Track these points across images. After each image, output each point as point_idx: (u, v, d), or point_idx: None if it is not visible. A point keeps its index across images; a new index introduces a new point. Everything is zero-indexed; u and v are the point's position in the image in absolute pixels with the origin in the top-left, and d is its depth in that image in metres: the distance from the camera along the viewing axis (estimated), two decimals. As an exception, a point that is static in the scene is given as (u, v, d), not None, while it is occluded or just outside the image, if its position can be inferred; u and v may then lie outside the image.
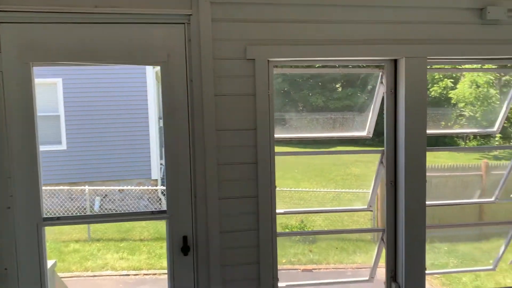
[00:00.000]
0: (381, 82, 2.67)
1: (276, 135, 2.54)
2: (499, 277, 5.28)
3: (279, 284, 2.65)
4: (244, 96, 2.42)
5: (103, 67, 9.39)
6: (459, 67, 2.78)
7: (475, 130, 3.08)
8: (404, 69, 2.53)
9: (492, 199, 3.02)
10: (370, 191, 2.90)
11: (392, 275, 2.75)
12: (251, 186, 2.47)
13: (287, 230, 7.96)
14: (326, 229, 10.03)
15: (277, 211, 2.60)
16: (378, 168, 2.77)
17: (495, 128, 2.98)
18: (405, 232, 2.63)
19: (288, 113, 2.92)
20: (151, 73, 10.63)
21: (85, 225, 8.44)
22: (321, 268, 8.04)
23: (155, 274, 7.29)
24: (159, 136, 11.04)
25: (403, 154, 2.60)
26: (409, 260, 2.65)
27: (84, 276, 7.04)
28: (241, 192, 2.46)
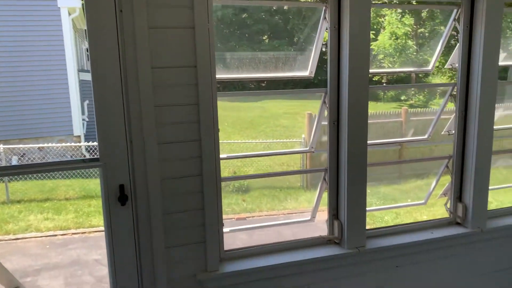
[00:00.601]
0: (324, 18, 2.57)
1: (217, 76, 2.37)
2: (429, 210, 5.79)
3: (224, 230, 2.59)
4: (182, 29, 2.19)
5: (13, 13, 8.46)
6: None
7: (412, 69, 3.11)
8: (349, 3, 2.44)
9: (425, 136, 3.13)
10: (313, 132, 2.86)
11: (334, 213, 2.79)
12: (193, 129, 2.30)
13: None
14: (258, 179, 10.17)
15: (221, 156, 2.48)
16: (321, 108, 2.72)
17: (429, 67, 3.04)
18: (347, 171, 2.64)
19: (229, 52, 2.74)
20: (67, 21, 9.77)
21: (2, 186, 7.79)
22: (254, 216, 8.20)
23: (85, 232, 6.99)
24: (80, 90, 10.30)
25: (346, 93, 2.57)
26: (351, 199, 2.69)
27: (6, 240, 6.55)
28: (182, 136, 2.29)
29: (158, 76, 2.19)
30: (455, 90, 2.98)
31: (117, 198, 2.23)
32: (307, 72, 2.70)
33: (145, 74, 2.15)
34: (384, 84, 13.04)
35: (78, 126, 10.10)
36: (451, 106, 3.11)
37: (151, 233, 2.31)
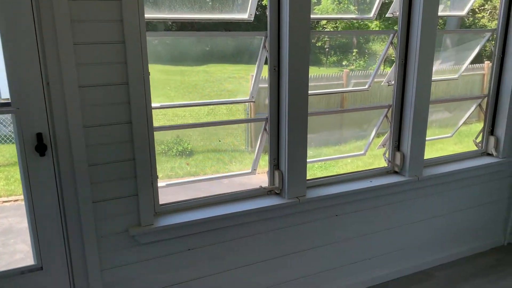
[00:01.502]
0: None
1: (146, 15, 2.15)
2: (369, 160, 5.93)
3: (159, 184, 2.43)
4: (103, -44, 1.94)
5: None
6: None
7: (353, 16, 3.04)
8: None
9: (366, 87, 3.10)
10: (252, 81, 2.73)
11: (275, 163, 2.71)
12: (119, 71, 2.09)
13: (163, 147, 7.64)
14: (202, 143, 9.96)
15: (153, 105, 2.30)
16: (261, 53, 2.58)
17: (371, 15, 2.97)
18: (288, 119, 2.55)
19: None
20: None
21: None
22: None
23: (17, 200, 6.53)
24: None
25: (286, 37, 2.44)
26: (292, 148, 2.61)
27: None
28: (106, 78, 2.07)
29: (77, 9, 1.94)
30: (396, 39, 2.94)
31: (35, 148, 2.00)
32: (246, 14, 2.54)
33: (62, 6, 1.89)
34: (327, 49, 13.07)
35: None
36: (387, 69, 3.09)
37: (75, 186, 2.11)
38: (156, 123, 2.29)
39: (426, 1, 2.79)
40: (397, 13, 2.94)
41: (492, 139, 3.46)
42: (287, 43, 2.44)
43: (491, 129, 3.48)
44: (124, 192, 2.24)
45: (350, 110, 3.06)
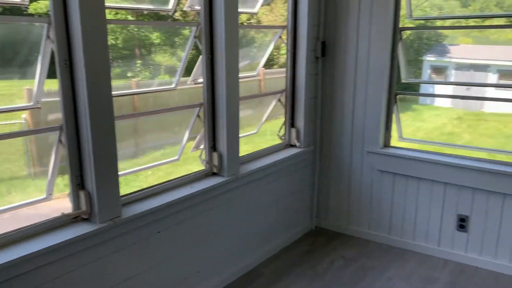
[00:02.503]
0: None
1: None
2: (189, 166, 5.61)
3: None
4: None
5: None
6: None
7: (151, 7, 2.73)
8: None
9: (173, 86, 2.83)
10: (36, 82, 2.13)
11: (78, 182, 2.19)
12: None
13: None
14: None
15: None
16: (45, 45, 2.03)
17: (170, 6, 2.71)
18: (90, 126, 2.08)
19: None
20: None
21: None
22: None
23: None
24: None
25: (78, 24, 1.97)
26: (99, 160, 2.14)
27: None
28: None
29: None
30: (199, 33, 2.76)
31: None
32: (17, -4, 1.95)
33: None
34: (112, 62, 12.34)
35: None
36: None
37: None
38: None
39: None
40: (196, 7, 2.78)
41: (293, 131, 3.65)
42: (79, 32, 1.98)
43: (291, 121, 3.67)
44: None
45: (160, 111, 2.75)
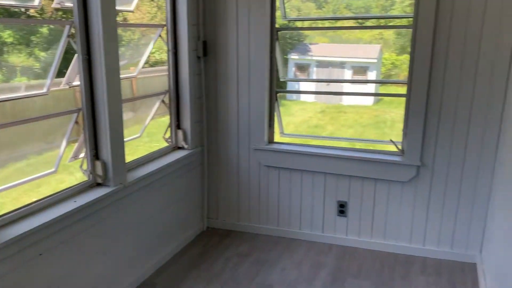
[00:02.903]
0: None
1: None
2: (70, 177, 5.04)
3: None
4: None
5: None
6: None
7: (12, 3, 2.40)
8: None
9: (44, 90, 2.54)
10: None
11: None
12: None
13: None
14: None
15: None
16: None
17: (36, 2, 2.42)
18: None
19: None
20: None
21: None
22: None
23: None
24: None
25: None
26: None
27: None
28: None
29: None
30: (73, 32, 2.52)
31: None
32: None
33: None
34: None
35: None
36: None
37: None
38: None
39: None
40: (66, 4, 2.53)
41: (180, 133, 3.57)
42: None
43: (177, 123, 3.58)
44: None
45: (32, 119, 2.45)
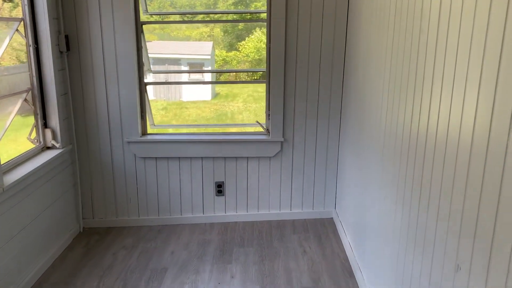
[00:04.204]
0: None
1: None
2: None
3: None
4: None
5: None
6: None
7: None
8: None
9: None
10: None
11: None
12: None
13: None
14: None
15: None
16: None
17: None
18: None
19: None
20: None
21: None
22: None
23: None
24: None
25: None
26: None
27: None
28: None
29: None
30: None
31: None
32: None
33: None
34: None
35: None
36: None
37: None
38: None
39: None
40: None
41: (48, 132, 3.39)
42: None
43: (44, 121, 3.39)
44: None
45: None
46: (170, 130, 4.24)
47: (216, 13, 4.41)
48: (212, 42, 10.67)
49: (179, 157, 3.84)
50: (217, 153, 3.83)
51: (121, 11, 3.49)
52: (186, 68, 9.92)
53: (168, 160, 3.85)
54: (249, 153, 3.84)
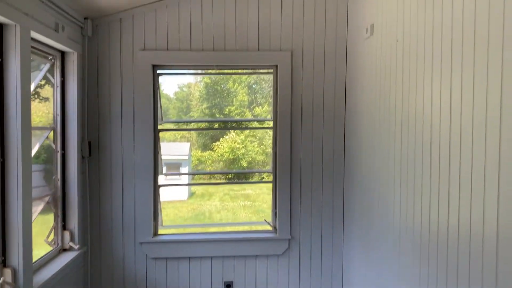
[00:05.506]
0: None
1: None
2: None
3: None
4: None
5: None
6: None
7: None
8: None
9: None
10: None
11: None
12: None
13: None
14: None
15: None
16: None
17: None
18: None
19: None
20: None
21: None
22: None
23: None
24: None
25: None
26: None
27: None
28: None
29: None
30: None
31: None
32: None
33: None
34: None
35: None
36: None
37: None
38: None
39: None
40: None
41: (67, 234, 3.46)
42: None
43: (63, 223, 3.47)
44: None
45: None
46: (180, 230, 4.35)
47: (228, 122, 4.80)
48: (189, 143, 11.13)
49: (189, 257, 3.92)
50: (226, 252, 3.94)
51: (142, 122, 3.79)
52: (165, 168, 10.16)
53: (178, 260, 3.91)
54: (258, 251, 3.97)
